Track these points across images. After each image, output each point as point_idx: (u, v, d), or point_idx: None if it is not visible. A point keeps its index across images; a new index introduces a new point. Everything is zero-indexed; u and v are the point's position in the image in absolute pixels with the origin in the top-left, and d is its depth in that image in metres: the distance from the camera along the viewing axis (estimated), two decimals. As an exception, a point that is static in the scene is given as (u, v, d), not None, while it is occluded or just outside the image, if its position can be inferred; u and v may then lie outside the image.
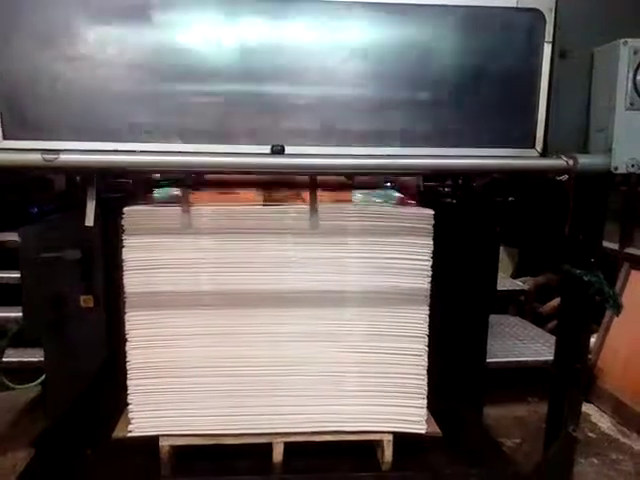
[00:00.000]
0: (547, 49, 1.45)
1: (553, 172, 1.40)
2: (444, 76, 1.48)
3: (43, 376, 2.85)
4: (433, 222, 1.77)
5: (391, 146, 1.50)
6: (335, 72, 1.45)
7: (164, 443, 1.79)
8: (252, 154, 1.37)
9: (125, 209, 1.74)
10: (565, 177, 1.35)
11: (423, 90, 1.50)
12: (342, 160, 1.44)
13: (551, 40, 1.45)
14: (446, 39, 1.43)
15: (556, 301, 4.21)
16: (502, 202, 2.21)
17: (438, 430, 1.89)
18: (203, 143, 1.42)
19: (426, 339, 1.83)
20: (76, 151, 1.31)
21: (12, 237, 2.76)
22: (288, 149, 1.40)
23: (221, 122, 1.43)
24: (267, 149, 1.38)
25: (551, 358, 3.37)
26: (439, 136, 1.52)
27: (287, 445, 1.83)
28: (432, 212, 1.77)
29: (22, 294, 2.64)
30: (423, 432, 1.85)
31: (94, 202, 1.68)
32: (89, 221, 1.70)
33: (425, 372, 1.84)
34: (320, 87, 1.46)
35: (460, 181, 2.10)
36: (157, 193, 2.11)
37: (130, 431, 1.79)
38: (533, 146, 1.47)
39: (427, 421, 1.87)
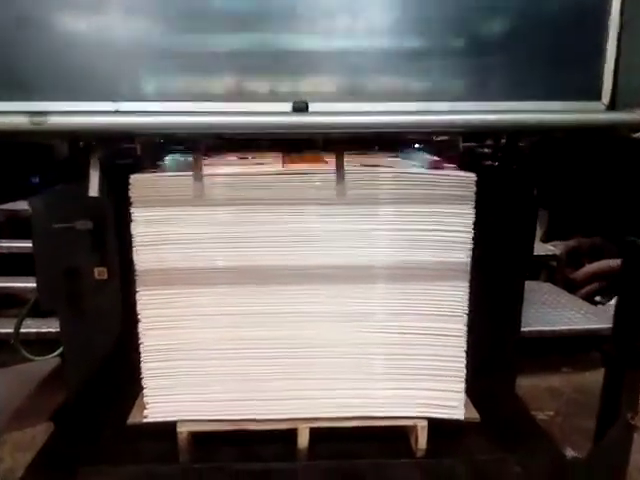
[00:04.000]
0: (619, -19, 1.22)
1: (625, 128, 1.18)
2: (492, 15, 1.26)
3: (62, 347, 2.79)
4: (475, 189, 1.58)
5: (429, 100, 1.30)
6: (363, 13, 1.24)
7: (182, 429, 1.68)
8: (271, 113, 1.18)
9: (131, 177, 1.57)
10: (640, 134, 1.15)
11: (467, 33, 1.29)
12: (373, 117, 1.25)
13: (624, -30, 1.21)
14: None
15: (590, 267, 4.01)
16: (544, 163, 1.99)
17: (477, 415, 1.74)
18: (216, 101, 1.24)
19: (465, 318, 1.66)
20: (69, 113, 1.13)
21: (25, 206, 2.67)
22: (312, 106, 1.20)
23: (236, 77, 1.23)
24: (288, 107, 1.19)
25: (587, 327, 3.21)
26: (486, 87, 1.31)
27: (313, 430, 1.71)
28: (474, 177, 1.57)
29: (35, 266, 2.54)
30: (461, 418, 1.71)
31: (98, 171, 1.53)
32: (93, 191, 1.55)
33: (464, 354, 1.68)
34: (347, 33, 1.26)
35: (503, 140, 1.88)
36: (169, 160, 1.95)
37: (145, 416, 1.68)
38: (599, 98, 1.25)
39: (465, 405, 1.72)
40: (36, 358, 2.89)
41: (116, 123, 1.18)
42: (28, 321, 2.89)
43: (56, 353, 2.87)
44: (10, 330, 2.85)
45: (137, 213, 1.58)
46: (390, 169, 1.59)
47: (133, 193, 1.57)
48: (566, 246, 4.12)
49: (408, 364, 1.67)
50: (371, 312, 1.64)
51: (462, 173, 1.58)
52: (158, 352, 1.65)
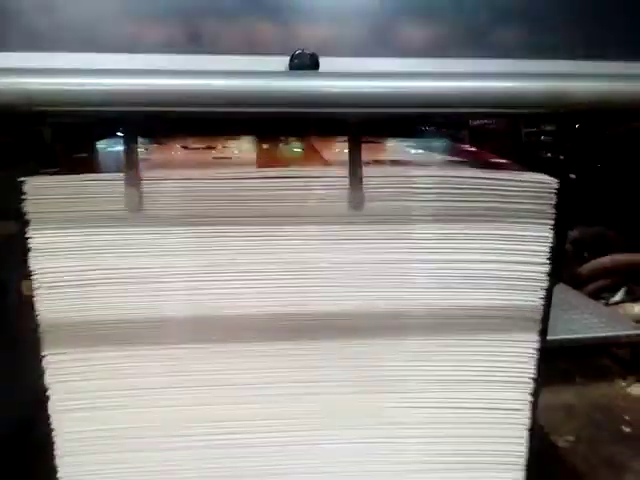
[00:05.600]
0: None
1: None
2: None
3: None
4: (554, 200, 1.06)
5: (503, 57, 0.78)
6: None
7: None
8: (254, 73, 0.62)
9: (27, 181, 0.99)
10: None
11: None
12: (421, 82, 0.70)
13: None
14: None
15: (598, 262, 3.62)
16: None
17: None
18: (155, 53, 0.68)
19: (532, 385, 1.15)
20: None
21: None
22: (323, 62, 0.65)
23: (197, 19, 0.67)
24: (283, 63, 0.63)
25: (607, 334, 2.80)
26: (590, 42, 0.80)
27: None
28: (556, 184, 1.05)
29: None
30: (518, 519, 1.22)
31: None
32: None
33: (526, 434, 1.18)
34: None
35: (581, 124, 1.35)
36: (105, 148, 1.39)
37: (65, 530, 1.13)
38: None
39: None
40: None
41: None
42: None
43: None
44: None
45: (37, 239, 1.01)
46: (430, 171, 1.05)
47: (30, 207, 1.00)
48: (569, 237, 3.72)
49: (449, 449, 1.16)
50: (400, 378, 1.12)
51: (540, 177, 1.05)
52: (79, 441, 1.10)
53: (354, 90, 0.63)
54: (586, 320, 2.87)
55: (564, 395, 2.68)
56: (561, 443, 2.31)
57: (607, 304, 3.49)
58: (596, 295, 3.51)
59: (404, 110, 0.67)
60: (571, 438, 2.34)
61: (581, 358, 2.86)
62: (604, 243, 3.77)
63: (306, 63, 0.62)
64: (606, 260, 3.61)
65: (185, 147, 1.43)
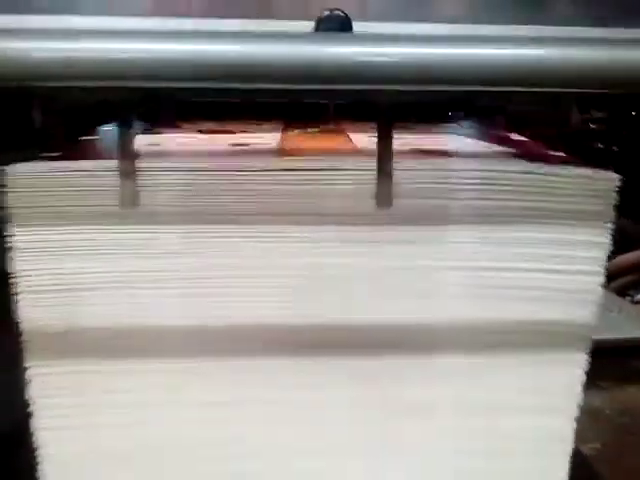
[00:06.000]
0: None
1: None
2: None
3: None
4: (615, 200, 0.91)
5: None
6: None
7: None
8: (270, 35, 0.49)
9: (8, 170, 0.87)
10: None
11: None
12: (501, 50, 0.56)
13: None
14: None
15: (625, 258, 3.45)
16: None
17: None
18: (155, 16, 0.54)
19: (575, 411, 1.02)
20: None
21: None
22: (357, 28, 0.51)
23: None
24: (308, 28, 0.50)
25: (635, 335, 2.63)
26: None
27: None
28: (618, 180, 0.90)
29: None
30: None
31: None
32: None
33: (567, 467, 1.04)
34: None
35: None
36: (104, 132, 1.27)
37: None
38: None
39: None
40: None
41: None
42: None
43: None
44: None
45: (21, 236, 0.88)
46: (471, 163, 0.90)
47: (12, 200, 0.87)
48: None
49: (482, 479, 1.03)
50: (429, 401, 0.98)
51: (602, 174, 0.90)
52: (67, 464, 0.98)
53: (409, 59, 0.48)
54: (613, 319, 2.71)
55: (589, 399, 2.52)
56: (586, 451, 2.17)
57: (633, 301, 3.33)
58: (621, 292, 3.36)
59: (470, 88, 0.53)
60: (597, 445, 2.20)
61: (607, 360, 2.70)
62: (630, 238, 3.59)
63: (336, 28, 0.48)
64: (632, 256, 3.44)
65: (200, 131, 1.28)
